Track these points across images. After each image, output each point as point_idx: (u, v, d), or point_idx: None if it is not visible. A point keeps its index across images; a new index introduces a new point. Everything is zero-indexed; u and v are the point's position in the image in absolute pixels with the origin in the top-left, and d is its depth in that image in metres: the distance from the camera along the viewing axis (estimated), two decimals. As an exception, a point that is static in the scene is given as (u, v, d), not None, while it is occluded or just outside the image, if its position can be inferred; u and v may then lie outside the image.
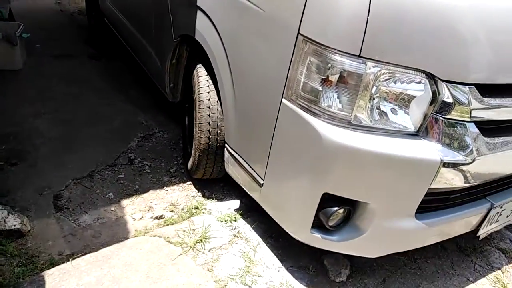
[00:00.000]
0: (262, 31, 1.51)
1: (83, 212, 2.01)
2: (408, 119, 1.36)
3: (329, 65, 1.28)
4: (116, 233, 1.89)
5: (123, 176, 2.29)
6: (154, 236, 1.81)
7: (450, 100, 1.32)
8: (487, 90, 1.38)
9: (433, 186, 1.39)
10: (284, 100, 1.44)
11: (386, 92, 1.32)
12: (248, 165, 1.74)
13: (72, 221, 1.94)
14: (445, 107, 1.34)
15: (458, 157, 1.37)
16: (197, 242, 1.80)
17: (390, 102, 1.34)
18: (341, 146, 1.31)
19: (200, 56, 2.07)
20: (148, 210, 2.07)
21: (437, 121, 1.37)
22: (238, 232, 1.90)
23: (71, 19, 4.75)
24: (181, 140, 2.63)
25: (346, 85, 1.30)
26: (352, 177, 1.36)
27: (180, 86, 2.50)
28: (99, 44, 4.01)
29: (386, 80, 1.30)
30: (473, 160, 1.39)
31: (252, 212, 2.04)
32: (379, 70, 1.27)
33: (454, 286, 1.82)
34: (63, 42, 3.98)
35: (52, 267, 1.64)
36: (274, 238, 1.91)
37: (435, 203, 1.51)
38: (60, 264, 1.65)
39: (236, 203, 2.10)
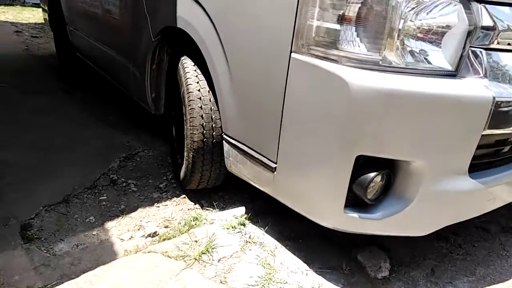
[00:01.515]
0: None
1: (59, 240, 1.65)
2: (443, 57, 1.14)
3: (347, -5, 1.07)
4: (101, 256, 1.54)
5: (105, 197, 1.96)
6: (149, 252, 1.47)
7: (490, 23, 1.12)
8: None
9: (486, 132, 1.15)
10: (293, 55, 1.20)
11: (415, 27, 1.11)
12: (255, 151, 1.47)
13: (45, 251, 1.58)
14: (486, 35, 1.14)
15: (511, 93, 1.15)
16: (202, 253, 1.46)
17: (421, 38, 1.13)
18: (374, 90, 1.07)
19: (183, 49, 1.86)
20: (139, 229, 1.74)
21: (479, 55, 1.16)
22: (250, 238, 1.58)
23: (41, 61, 4.52)
24: (168, 156, 2.34)
25: (368, 19, 1.09)
26: (391, 129, 1.10)
27: (163, 95, 2.26)
28: (72, 79, 3.77)
29: (413, 9, 1.09)
30: (526, 98, 1.17)
31: (262, 215, 1.73)
32: (405, -5, 1.07)
33: (514, 268, 1.53)
34: (33, 80, 3.72)
35: (20, 303, 1.27)
36: (293, 240, 1.60)
37: (488, 158, 1.27)
38: (30, 298, 1.29)
39: (241, 210, 1.79)
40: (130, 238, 1.66)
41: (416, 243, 1.64)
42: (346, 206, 1.22)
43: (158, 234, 1.68)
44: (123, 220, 1.80)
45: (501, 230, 1.79)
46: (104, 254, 1.55)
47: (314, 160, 1.23)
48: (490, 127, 1.15)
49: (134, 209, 1.88)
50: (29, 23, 7.02)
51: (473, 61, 1.15)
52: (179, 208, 1.90)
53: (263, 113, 1.39)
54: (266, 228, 1.64)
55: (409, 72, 1.13)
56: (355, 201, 1.24)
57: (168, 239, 1.60)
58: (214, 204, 1.86)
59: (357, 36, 1.10)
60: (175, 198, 1.97)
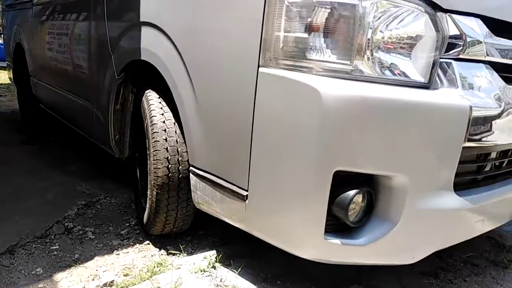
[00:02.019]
0: (222, 4, 1.28)
1: (-4, 296, 1.41)
2: (414, 69, 1.11)
3: (314, 2, 1.04)
4: (44, 311, 1.31)
5: (57, 247, 1.74)
6: (102, 302, 1.26)
7: (457, 32, 1.10)
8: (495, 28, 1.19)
9: (467, 144, 1.09)
10: (261, 69, 1.14)
11: (384, 37, 1.08)
12: (224, 180, 1.34)
13: (-23, 309, 1.33)
14: (456, 46, 1.12)
15: (487, 102, 1.11)
16: (165, 300, 1.27)
17: (390, 49, 1.10)
18: (346, 98, 1.01)
19: (147, 84, 1.78)
20: (93, 279, 1.52)
21: (450, 65, 1.13)
22: (221, 281, 1.39)
23: (2, 116, 4.34)
24: (132, 203, 2.15)
25: (336, 27, 1.05)
26: (367, 140, 1.02)
27: (128, 136, 2.13)
28: (33, 132, 3.59)
29: (379, 18, 1.07)
30: (503, 109, 1.13)
31: (235, 258, 1.56)
32: (371, 4, 1.05)
33: (511, 301, 1.40)
34: (-11, 133, 3.53)
35: None
36: (271, 281, 1.42)
37: (471, 175, 1.19)
38: None
39: (211, 253, 1.61)
40: (82, 289, 1.44)
41: (404, 281, 1.50)
42: (326, 231, 1.09)
43: (116, 283, 1.46)
44: (76, 270, 1.58)
45: (490, 264, 1.68)
46: (49, 308, 1.32)
47: (288, 181, 1.12)
48: (470, 139, 1.09)
49: (90, 258, 1.66)
50: (-6, 83, 6.90)
51: (445, 72, 1.12)
52: (141, 255, 1.70)
53: (231, 137, 1.29)
54: (239, 270, 1.46)
55: (381, 83, 1.08)
56: (336, 227, 1.11)
57: (126, 287, 1.39)
58: (182, 248, 1.67)
59: (326, 45, 1.06)
60: (137, 244, 1.77)
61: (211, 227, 1.87)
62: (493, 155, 1.25)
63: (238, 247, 1.64)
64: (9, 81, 4.96)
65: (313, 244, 1.11)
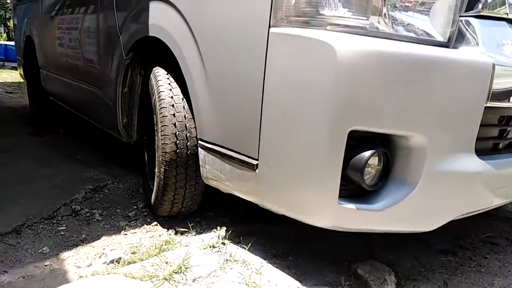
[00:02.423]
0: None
1: (1, 272, 1.38)
2: (432, 27, 1.06)
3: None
4: (49, 285, 1.27)
5: (64, 227, 1.71)
6: (108, 274, 1.22)
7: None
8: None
9: (489, 104, 1.04)
10: (272, 29, 1.10)
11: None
12: (234, 150, 1.30)
13: (-17, 284, 1.30)
14: (476, 2, 1.07)
15: (511, 61, 1.05)
16: (174, 273, 1.22)
17: (407, 7, 1.05)
18: (362, 53, 0.96)
19: (155, 62, 1.75)
20: (100, 257, 1.48)
21: (471, 23, 1.07)
22: (230, 256, 1.35)
23: (13, 111, 4.37)
24: (140, 188, 2.12)
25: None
26: (384, 97, 0.97)
27: (136, 120, 2.11)
28: (42, 124, 3.58)
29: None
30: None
31: (245, 236, 1.51)
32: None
33: (535, 278, 1.33)
34: (1, 125, 3.53)
35: None
36: (282, 257, 1.37)
37: (495, 140, 1.13)
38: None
39: (221, 232, 1.56)
40: (88, 266, 1.40)
41: (421, 258, 1.44)
42: (341, 196, 1.04)
43: (123, 260, 1.42)
44: (83, 249, 1.54)
45: (510, 243, 1.61)
46: (53, 283, 1.28)
47: (301, 145, 1.07)
48: (493, 99, 1.04)
49: (97, 237, 1.63)
50: (5, 81, 6.97)
51: (466, 30, 1.07)
52: (149, 235, 1.66)
53: (241, 105, 1.25)
54: (249, 246, 1.41)
55: (398, 40, 1.03)
56: (351, 192, 1.06)
57: (134, 262, 1.35)
58: (190, 227, 1.62)
59: (340, 0, 1.01)
60: (145, 225, 1.74)
61: (220, 209, 1.83)
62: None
63: (248, 226, 1.60)
64: (19, 80, 5.00)
65: (326, 210, 1.06)
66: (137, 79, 2.02)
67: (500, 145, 1.19)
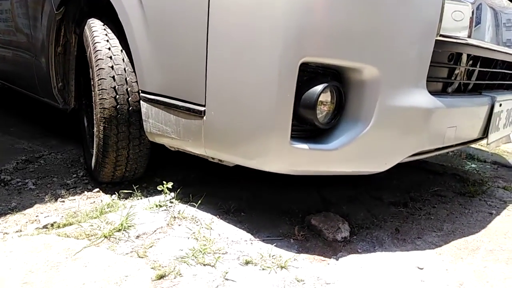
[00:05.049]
0: None
1: None
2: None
3: None
4: (-31, 252, 1.12)
5: (-11, 197, 1.53)
6: (38, 234, 1.09)
7: None
8: None
9: (439, 38, 1.02)
10: (217, -41, 1.00)
11: None
12: (179, 99, 1.20)
13: None
14: None
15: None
16: (116, 231, 1.12)
17: None
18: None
19: (92, 15, 1.60)
20: (33, 223, 1.33)
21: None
22: (179, 213, 1.26)
23: None
24: (81, 158, 1.96)
25: None
26: (336, 25, 0.92)
27: (73, 85, 1.93)
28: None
29: None
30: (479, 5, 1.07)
31: (194, 196, 1.42)
32: None
33: (480, 221, 1.38)
34: None
35: None
36: (234, 213, 1.31)
37: (443, 79, 1.13)
38: None
39: (169, 195, 1.47)
40: (17, 231, 1.25)
41: (374, 210, 1.43)
42: (293, 137, 0.98)
43: (58, 224, 1.29)
44: (13, 217, 1.38)
45: (456, 195, 1.66)
46: (-26, 250, 1.13)
47: (249, 82, 1.00)
48: (443, 35, 1.02)
49: (30, 205, 1.47)
50: None
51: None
52: (90, 201, 1.52)
53: (184, 47, 1.15)
54: (199, 204, 1.33)
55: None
56: (304, 134, 1.01)
57: (70, 224, 1.22)
58: (137, 191, 1.51)
59: None
60: (86, 192, 1.59)
61: (169, 176, 1.73)
62: (465, 58, 1.19)
63: (199, 190, 1.51)
64: None
65: (278, 153, 1.00)
66: (72, 39, 1.84)
67: (449, 88, 1.19)
